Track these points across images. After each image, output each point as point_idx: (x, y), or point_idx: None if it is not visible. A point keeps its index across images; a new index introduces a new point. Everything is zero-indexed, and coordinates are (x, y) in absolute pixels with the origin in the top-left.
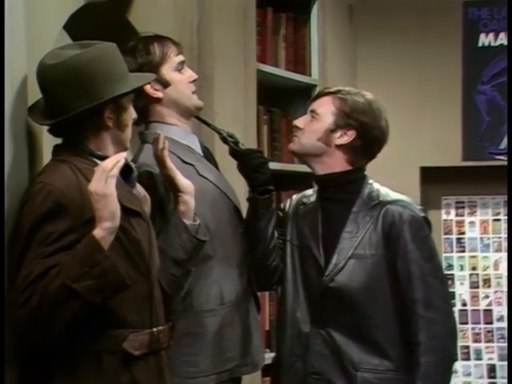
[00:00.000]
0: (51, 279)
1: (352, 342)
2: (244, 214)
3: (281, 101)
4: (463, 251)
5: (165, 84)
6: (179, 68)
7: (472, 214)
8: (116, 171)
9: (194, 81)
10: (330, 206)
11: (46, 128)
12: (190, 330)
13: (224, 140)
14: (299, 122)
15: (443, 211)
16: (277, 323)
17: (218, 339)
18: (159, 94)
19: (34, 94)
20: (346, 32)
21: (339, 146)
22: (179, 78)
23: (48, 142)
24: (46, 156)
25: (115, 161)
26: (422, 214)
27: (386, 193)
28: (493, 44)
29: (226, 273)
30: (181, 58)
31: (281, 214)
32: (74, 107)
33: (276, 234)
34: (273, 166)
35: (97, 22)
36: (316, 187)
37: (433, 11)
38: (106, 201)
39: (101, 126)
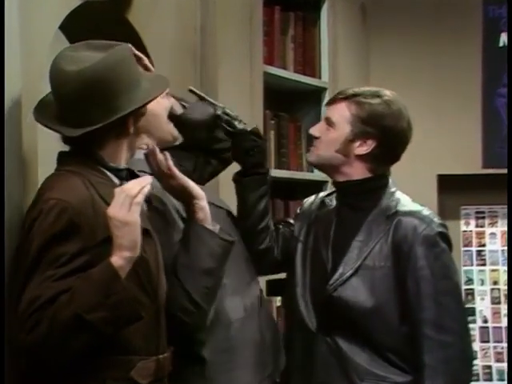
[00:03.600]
0: (62, 307)
1: (358, 351)
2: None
3: (289, 105)
4: (484, 264)
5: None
6: None
7: (493, 224)
8: (141, 198)
9: (168, 94)
10: (346, 213)
11: (41, 134)
12: (223, 346)
13: (218, 117)
14: (314, 130)
15: (462, 222)
16: (286, 329)
17: (251, 347)
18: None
19: (29, 97)
20: (358, 32)
21: (359, 156)
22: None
23: (43, 147)
24: (42, 164)
25: (140, 186)
26: (440, 229)
27: (406, 203)
28: None
29: (239, 282)
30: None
31: (298, 210)
32: (100, 116)
33: (269, 216)
34: (280, 173)
35: (95, 21)
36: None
37: (450, 10)
38: (128, 229)
39: (122, 134)
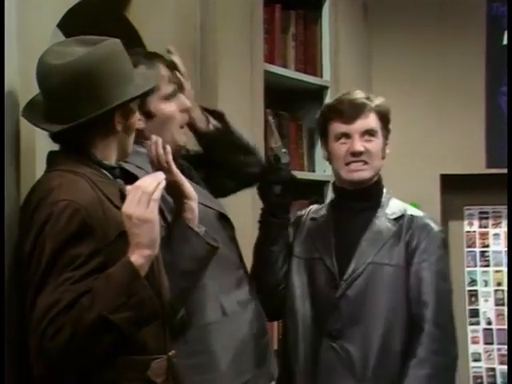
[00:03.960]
0: (85, 309)
1: (367, 353)
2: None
3: (290, 104)
4: (487, 265)
5: (148, 115)
6: (169, 97)
7: (497, 225)
8: (159, 194)
9: (187, 110)
10: (348, 216)
11: (39, 133)
12: (196, 348)
13: (271, 149)
14: (358, 146)
15: (466, 222)
16: (286, 342)
17: (227, 351)
18: (139, 125)
19: (27, 96)
20: (360, 30)
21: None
22: (166, 110)
23: (41, 147)
24: (39, 164)
25: (156, 182)
26: (442, 235)
27: (408, 207)
28: None
29: (222, 285)
30: (171, 87)
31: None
32: (85, 112)
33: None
34: None
35: (93, 20)
36: (329, 201)
37: (454, 7)
38: (147, 227)
39: (110, 131)
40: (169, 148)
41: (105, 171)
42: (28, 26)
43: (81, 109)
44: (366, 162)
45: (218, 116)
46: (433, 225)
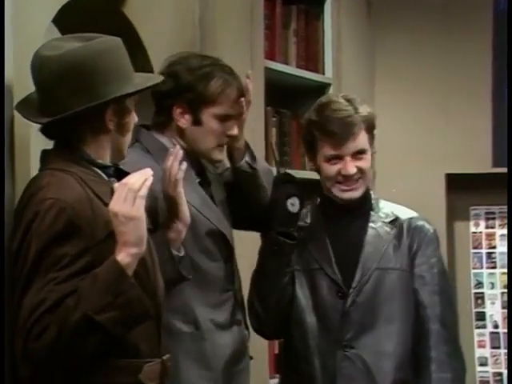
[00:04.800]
0: (69, 310)
1: (383, 360)
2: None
3: (291, 101)
4: (494, 267)
5: (196, 120)
6: (221, 118)
7: (503, 225)
8: (145, 191)
9: (231, 136)
10: (341, 221)
11: (34, 131)
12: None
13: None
14: (351, 169)
15: (472, 223)
16: (297, 354)
17: (192, 365)
18: (183, 124)
19: (22, 92)
20: (363, 26)
21: None
22: (212, 127)
23: (36, 145)
24: (34, 163)
25: (143, 179)
26: (437, 235)
27: (400, 209)
28: None
29: (201, 300)
30: (229, 111)
31: None
32: (74, 105)
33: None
34: None
35: (89, 15)
36: (312, 207)
37: (459, 3)
38: (134, 224)
39: (101, 129)
40: (184, 165)
41: (98, 170)
42: (23, 21)
43: (70, 102)
44: (358, 179)
45: (253, 158)
46: (428, 226)
